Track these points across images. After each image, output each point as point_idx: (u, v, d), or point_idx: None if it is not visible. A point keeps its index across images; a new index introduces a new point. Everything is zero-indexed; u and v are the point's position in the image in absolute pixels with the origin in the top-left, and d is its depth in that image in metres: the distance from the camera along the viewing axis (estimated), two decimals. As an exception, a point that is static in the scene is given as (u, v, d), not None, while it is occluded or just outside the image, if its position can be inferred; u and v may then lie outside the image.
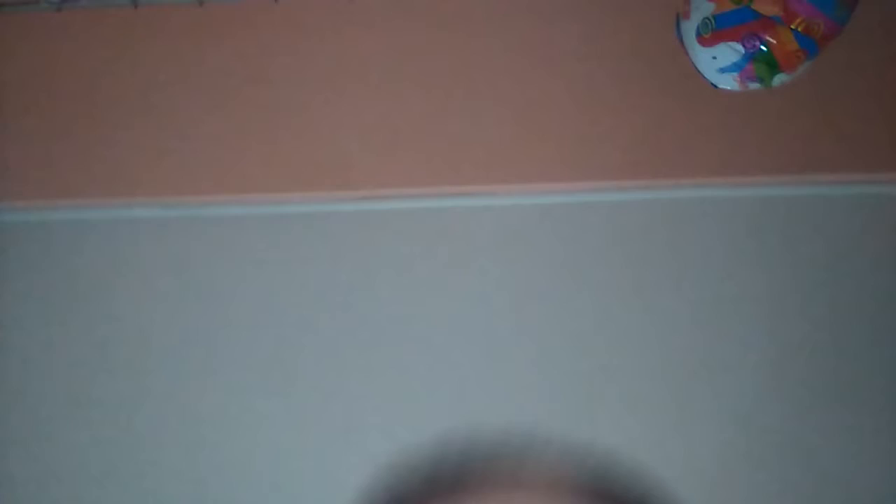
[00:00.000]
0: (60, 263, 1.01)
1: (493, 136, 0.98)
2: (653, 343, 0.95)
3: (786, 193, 0.98)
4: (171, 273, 1.00)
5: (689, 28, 0.95)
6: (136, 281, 1.00)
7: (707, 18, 0.93)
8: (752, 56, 0.92)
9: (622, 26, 1.00)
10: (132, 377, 0.98)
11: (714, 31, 0.93)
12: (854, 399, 0.94)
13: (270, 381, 0.95)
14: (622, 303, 0.96)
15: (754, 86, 0.94)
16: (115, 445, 0.95)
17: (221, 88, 1.01)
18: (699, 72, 0.96)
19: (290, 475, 0.97)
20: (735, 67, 0.93)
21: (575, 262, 0.97)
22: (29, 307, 1.00)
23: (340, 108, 1.00)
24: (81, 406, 0.98)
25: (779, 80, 0.94)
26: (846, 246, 0.97)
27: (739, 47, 0.92)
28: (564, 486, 0.42)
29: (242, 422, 0.99)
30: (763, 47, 0.91)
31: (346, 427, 0.95)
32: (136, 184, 1.00)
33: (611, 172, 0.97)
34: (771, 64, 0.92)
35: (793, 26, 0.90)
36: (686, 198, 0.98)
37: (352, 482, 0.98)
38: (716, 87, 0.96)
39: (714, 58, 0.93)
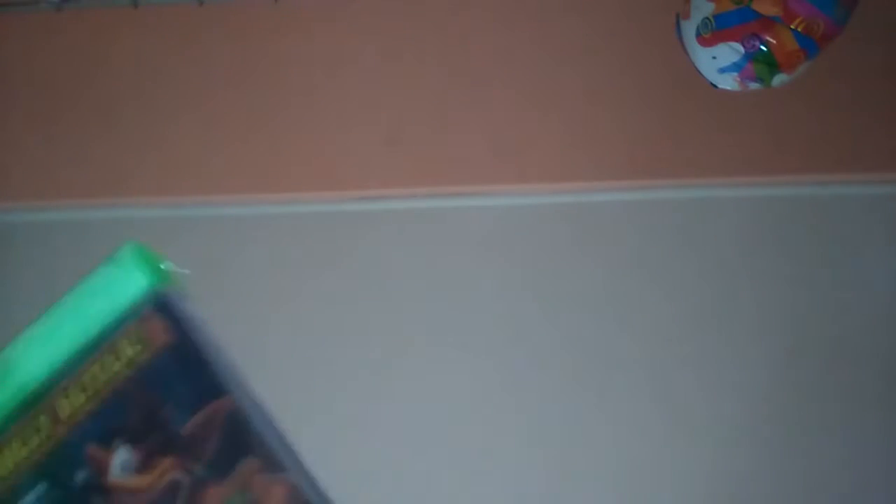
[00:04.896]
0: (60, 263, 1.01)
1: (494, 136, 0.98)
2: (653, 343, 0.95)
3: (786, 193, 0.98)
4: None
5: (689, 28, 0.95)
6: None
7: (707, 18, 0.93)
8: (752, 56, 0.92)
9: (621, 26, 1.00)
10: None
11: (714, 31, 0.93)
12: (855, 400, 0.94)
13: (269, 381, 0.95)
14: (622, 303, 0.96)
15: (754, 86, 0.94)
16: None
17: (222, 88, 1.01)
18: (699, 72, 0.96)
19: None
20: (735, 67, 0.93)
21: (574, 262, 0.97)
22: (28, 307, 1.00)
23: (340, 108, 1.00)
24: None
25: (779, 80, 0.94)
26: (846, 246, 0.97)
27: (739, 47, 0.92)
28: None
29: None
30: (763, 47, 0.91)
31: (343, 428, 0.95)
32: (136, 184, 1.00)
33: (611, 172, 0.97)
34: (771, 64, 0.92)
35: (793, 26, 0.91)
36: (685, 198, 0.98)
37: (351, 483, 0.98)
38: (716, 87, 0.96)
39: (714, 58, 0.94)
